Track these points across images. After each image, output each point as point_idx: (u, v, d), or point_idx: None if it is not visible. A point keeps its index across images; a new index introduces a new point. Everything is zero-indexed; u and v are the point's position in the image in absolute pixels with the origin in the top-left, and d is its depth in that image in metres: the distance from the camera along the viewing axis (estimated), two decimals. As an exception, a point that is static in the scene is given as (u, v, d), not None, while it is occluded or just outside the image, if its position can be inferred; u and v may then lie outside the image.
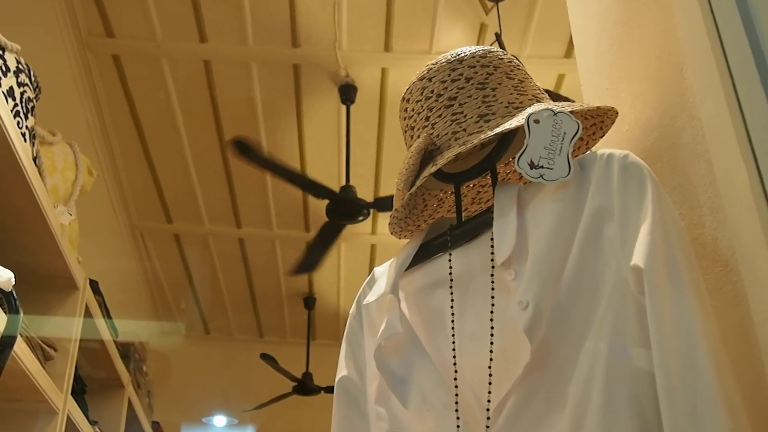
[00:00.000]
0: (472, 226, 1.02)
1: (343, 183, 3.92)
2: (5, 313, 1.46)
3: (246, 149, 3.57)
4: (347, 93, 3.90)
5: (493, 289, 0.94)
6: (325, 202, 3.88)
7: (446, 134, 1.03)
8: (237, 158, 3.67)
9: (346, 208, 3.87)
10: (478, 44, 1.12)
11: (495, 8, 3.32)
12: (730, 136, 0.85)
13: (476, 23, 3.59)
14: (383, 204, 3.93)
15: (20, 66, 1.73)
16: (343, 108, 3.98)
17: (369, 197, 4.24)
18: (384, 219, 4.58)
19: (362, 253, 5.18)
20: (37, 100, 1.83)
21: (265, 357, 5.01)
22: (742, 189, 0.83)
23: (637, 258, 0.83)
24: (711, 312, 0.82)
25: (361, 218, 3.94)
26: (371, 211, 3.95)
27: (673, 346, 0.78)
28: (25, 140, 1.69)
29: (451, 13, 3.53)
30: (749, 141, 0.83)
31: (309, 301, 5.66)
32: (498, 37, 3.11)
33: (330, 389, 5.09)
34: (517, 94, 1.05)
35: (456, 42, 3.58)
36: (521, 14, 3.50)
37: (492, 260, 0.95)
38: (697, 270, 0.85)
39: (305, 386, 5.24)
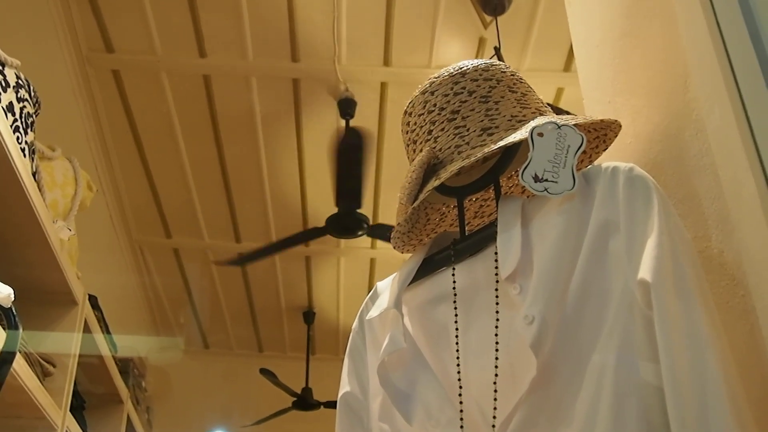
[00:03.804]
0: (476, 240, 1.02)
1: (343, 198, 3.91)
2: (4, 329, 1.45)
3: (243, 260, 4.05)
4: (347, 107, 3.90)
5: (497, 303, 0.93)
6: (326, 216, 3.89)
7: (449, 148, 1.03)
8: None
9: (345, 223, 3.87)
10: (477, 58, 1.11)
11: (494, 22, 3.33)
12: (737, 146, 0.85)
13: (475, 37, 3.60)
14: (379, 231, 3.95)
15: (20, 81, 1.73)
16: (343, 122, 3.98)
17: (368, 212, 4.24)
18: (384, 233, 4.57)
19: (362, 268, 5.17)
20: (36, 116, 1.82)
21: (264, 372, 4.98)
22: (750, 201, 0.82)
23: (644, 271, 0.82)
24: (719, 325, 0.81)
25: (360, 233, 3.94)
26: (370, 225, 3.95)
27: (682, 360, 0.77)
28: (25, 155, 1.68)
29: (451, 28, 3.54)
30: (757, 151, 0.82)
31: (308, 315, 5.64)
32: (497, 50, 3.12)
33: (330, 404, 5.07)
34: (520, 107, 1.04)
35: (455, 56, 3.59)
36: (520, 28, 3.50)
37: (496, 274, 0.94)
38: (704, 283, 0.84)
39: (305, 401, 5.21)
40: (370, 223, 3.93)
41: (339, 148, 3.55)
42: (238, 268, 5.14)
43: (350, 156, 3.52)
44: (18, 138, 1.65)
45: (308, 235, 4.24)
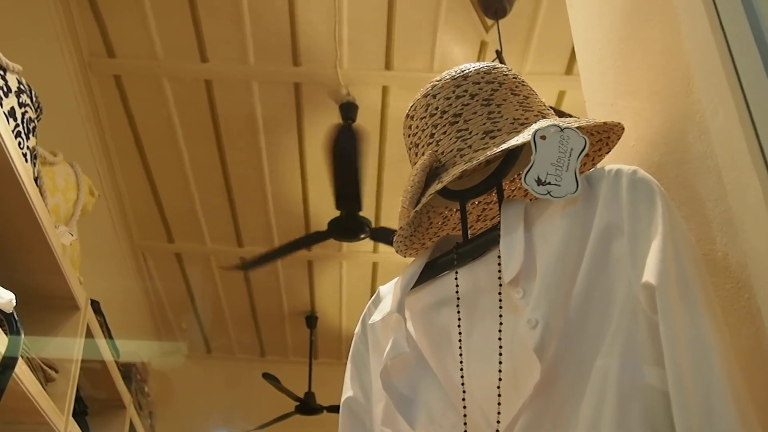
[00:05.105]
0: (479, 244, 1.01)
1: (345, 201, 3.91)
2: (6, 334, 1.45)
3: (248, 265, 4.15)
4: (348, 111, 3.90)
5: (500, 307, 0.92)
6: (327, 219, 3.89)
7: (451, 151, 1.02)
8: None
9: (347, 226, 3.87)
10: (478, 62, 1.11)
11: (495, 26, 3.33)
12: (741, 148, 0.84)
13: (477, 41, 3.60)
14: (382, 235, 3.95)
15: (22, 86, 1.73)
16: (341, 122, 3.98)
17: (370, 215, 4.24)
18: (386, 237, 4.58)
19: (364, 272, 5.16)
20: (38, 121, 1.82)
21: (267, 376, 4.98)
22: (755, 202, 0.82)
23: (649, 275, 0.81)
24: (724, 329, 0.81)
25: (362, 236, 3.94)
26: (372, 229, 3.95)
27: (688, 364, 0.76)
28: (27, 160, 1.68)
29: (452, 31, 3.54)
30: (761, 152, 0.82)
31: (311, 319, 5.63)
32: (499, 54, 3.12)
33: (332, 408, 5.06)
34: (523, 110, 1.04)
35: (457, 60, 3.59)
36: (521, 31, 3.50)
37: (499, 278, 0.93)
38: (709, 286, 0.84)
39: (308, 406, 5.21)
40: (372, 226, 3.93)
41: (333, 150, 3.54)
42: (240, 272, 5.14)
43: (344, 158, 3.51)
44: (20, 143, 1.65)
45: (311, 239, 4.24)
